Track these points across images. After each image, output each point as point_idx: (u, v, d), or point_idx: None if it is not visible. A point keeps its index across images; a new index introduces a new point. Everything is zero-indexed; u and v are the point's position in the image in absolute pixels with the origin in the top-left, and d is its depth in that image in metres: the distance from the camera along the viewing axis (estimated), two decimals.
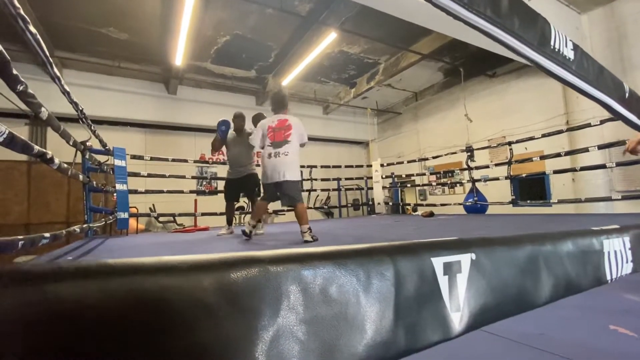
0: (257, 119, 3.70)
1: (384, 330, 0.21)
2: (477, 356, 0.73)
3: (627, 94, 0.72)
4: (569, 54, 0.54)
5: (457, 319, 0.25)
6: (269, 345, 0.19)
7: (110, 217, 4.34)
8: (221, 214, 5.91)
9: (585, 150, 4.56)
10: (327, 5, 5.28)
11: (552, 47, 0.51)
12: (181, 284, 0.18)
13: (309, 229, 2.80)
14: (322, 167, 7.18)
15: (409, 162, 7.39)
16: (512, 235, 0.30)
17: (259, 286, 0.19)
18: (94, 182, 3.92)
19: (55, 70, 2.16)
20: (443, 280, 0.25)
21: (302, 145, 3.01)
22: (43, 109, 1.99)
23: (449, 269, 0.25)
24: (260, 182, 3.23)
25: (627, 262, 0.40)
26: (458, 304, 0.25)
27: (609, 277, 0.36)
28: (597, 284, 0.35)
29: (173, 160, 5.43)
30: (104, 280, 0.17)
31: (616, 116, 0.78)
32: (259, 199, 3.21)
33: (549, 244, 0.32)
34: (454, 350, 0.76)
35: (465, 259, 0.26)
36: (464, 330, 0.25)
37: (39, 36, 1.80)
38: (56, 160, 2.22)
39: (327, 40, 5.93)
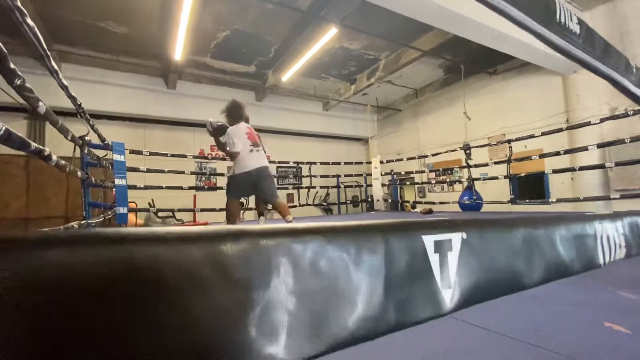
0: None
1: (374, 305, 0.22)
2: (474, 352, 0.74)
3: (634, 69, 0.72)
4: (575, 28, 0.53)
5: (448, 296, 0.25)
6: (259, 316, 0.19)
7: (109, 212, 4.34)
8: (220, 210, 5.92)
9: (585, 149, 4.56)
10: (328, 1, 5.25)
11: (558, 21, 0.50)
12: (171, 254, 0.18)
13: (291, 221, 3.03)
14: (321, 163, 7.18)
15: (408, 159, 7.39)
16: (504, 217, 0.30)
17: (249, 259, 0.20)
18: (92, 178, 3.91)
19: (53, 63, 2.14)
20: (434, 258, 0.25)
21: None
22: (41, 103, 1.98)
23: (439, 247, 0.26)
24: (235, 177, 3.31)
25: (620, 247, 0.40)
26: (449, 281, 0.26)
27: (602, 261, 0.37)
28: (589, 267, 0.35)
29: (172, 155, 5.42)
30: (94, 248, 0.17)
31: (622, 91, 0.77)
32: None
33: (541, 227, 0.32)
34: (451, 346, 0.76)
35: (456, 238, 0.26)
36: (455, 308, 0.25)
37: (36, 29, 1.78)
38: (54, 157, 2.21)
39: (328, 36, 5.90)
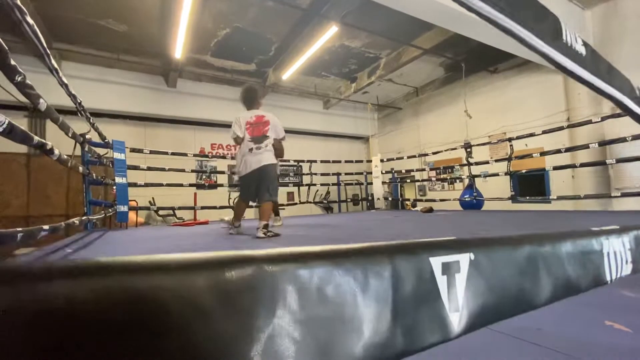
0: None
1: (381, 331, 0.21)
2: (474, 350, 0.74)
3: (637, 91, 0.72)
4: (581, 49, 0.53)
5: (456, 319, 0.25)
6: (264, 346, 0.18)
7: (110, 210, 4.34)
8: (220, 207, 5.93)
9: (586, 147, 4.55)
10: None
11: (564, 42, 0.50)
12: (174, 283, 0.18)
13: (266, 225, 2.81)
14: (321, 161, 7.17)
15: (408, 157, 7.38)
16: (511, 235, 0.30)
17: (254, 286, 0.19)
18: (94, 175, 3.91)
19: (53, 61, 2.14)
20: (442, 280, 0.25)
21: (279, 139, 3.08)
22: (41, 100, 1.97)
23: (447, 269, 0.25)
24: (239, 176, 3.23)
25: (626, 263, 0.40)
26: (457, 304, 0.25)
27: (608, 278, 0.36)
28: (596, 284, 0.34)
29: (172, 153, 5.42)
30: (95, 279, 0.17)
31: (627, 113, 0.77)
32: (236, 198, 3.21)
33: (548, 245, 0.31)
34: (451, 344, 0.76)
35: (464, 259, 0.26)
36: (463, 331, 0.25)
37: (36, 27, 1.78)
38: (56, 151, 2.22)
39: (328, 34, 5.88)
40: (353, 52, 7.25)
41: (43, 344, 0.16)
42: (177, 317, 0.17)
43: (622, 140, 4.15)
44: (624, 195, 4.48)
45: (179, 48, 6.02)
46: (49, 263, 0.16)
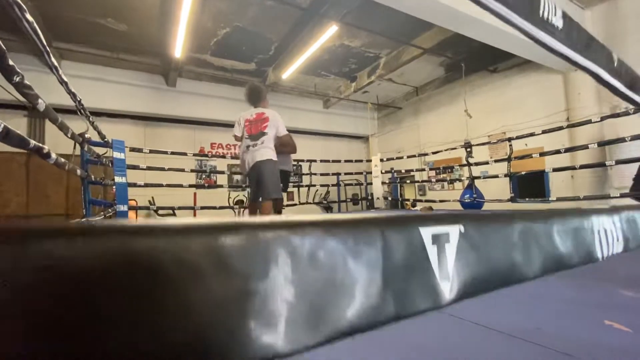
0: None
1: (372, 296, 0.22)
2: (475, 350, 0.74)
3: (615, 63, 0.73)
4: (558, 22, 0.54)
5: (447, 287, 0.25)
6: (258, 307, 0.19)
7: (110, 210, 4.35)
8: (220, 207, 5.93)
9: (585, 147, 4.56)
10: None
11: (540, 16, 0.51)
12: (169, 246, 0.18)
13: None
14: (321, 161, 7.18)
15: (408, 157, 7.38)
16: (501, 211, 0.30)
17: (247, 250, 0.20)
18: (92, 176, 3.91)
19: (53, 59, 2.14)
20: (432, 250, 0.25)
21: (280, 137, 3.06)
22: (40, 100, 1.98)
23: (437, 239, 0.26)
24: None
25: (617, 240, 0.40)
26: (447, 273, 0.26)
27: (599, 255, 0.37)
28: (588, 261, 0.35)
29: (172, 153, 5.42)
30: (91, 241, 0.17)
31: (605, 86, 0.78)
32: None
33: (539, 221, 0.32)
34: (450, 344, 0.76)
35: (453, 231, 0.27)
36: (454, 299, 0.26)
37: (35, 24, 1.78)
38: (53, 155, 2.21)
39: (328, 34, 5.88)
40: (353, 51, 7.25)
41: (40, 306, 0.16)
42: (172, 279, 0.18)
43: (622, 140, 4.16)
44: (623, 195, 4.48)
45: (178, 47, 6.03)
46: (42, 224, 0.17)
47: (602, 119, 4.45)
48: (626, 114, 4.23)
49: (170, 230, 0.19)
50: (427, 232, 0.25)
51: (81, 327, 0.17)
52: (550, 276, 0.29)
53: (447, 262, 0.26)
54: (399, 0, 4.06)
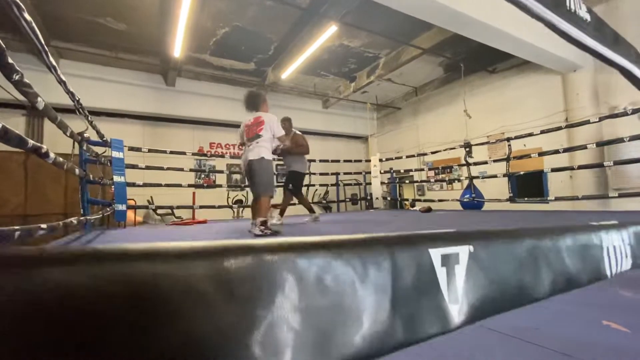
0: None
1: (380, 322, 0.21)
2: (474, 350, 0.74)
3: None
4: (585, 15, 0.52)
5: (456, 311, 0.25)
6: (264, 334, 0.18)
7: (108, 209, 4.33)
8: (219, 207, 5.92)
9: (584, 147, 4.56)
10: None
11: (567, 8, 0.49)
12: (173, 271, 0.17)
13: (263, 222, 2.88)
14: (320, 161, 7.17)
15: (407, 157, 7.38)
16: (510, 228, 0.30)
17: (253, 275, 0.19)
18: (91, 175, 3.90)
19: (51, 59, 2.13)
20: (441, 272, 0.25)
21: (280, 139, 3.26)
22: (39, 98, 1.97)
23: (446, 260, 0.25)
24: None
25: (626, 257, 0.40)
26: (457, 296, 0.25)
27: (608, 273, 0.36)
28: (596, 279, 0.34)
29: (171, 152, 5.41)
30: (92, 267, 0.16)
31: (634, 83, 0.76)
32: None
33: (548, 239, 0.31)
34: (450, 343, 0.77)
35: (463, 251, 0.26)
36: (462, 323, 0.25)
37: (34, 24, 1.77)
38: (51, 155, 2.20)
39: (328, 34, 5.87)
40: (352, 51, 7.24)
41: (37, 334, 0.15)
42: (176, 305, 0.17)
43: (620, 140, 4.17)
44: (621, 195, 4.50)
45: (177, 47, 6.01)
46: (41, 249, 0.16)
47: (601, 119, 4.46)
48: (624, 114, 4.24)
49: (171, 254, 0.18)
50: (436, 253, 0.25)
51: (81, 356, 0.16)
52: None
53: (457, 284, 0.25)
54: (398, 0, 4.05)
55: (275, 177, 4.16)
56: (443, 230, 0.27)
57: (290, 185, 4.14)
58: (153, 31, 6.03)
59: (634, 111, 4.14)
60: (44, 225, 2.15)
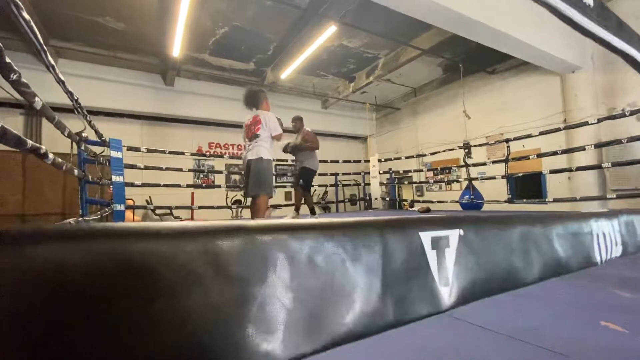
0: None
1: (371, 302, 0.21)
2: (474, 351, 0.74)
3: None
4: (588, 0, 0.51)
5: (447, 293, 0.25)
6: (256, 313, 0.19)
7: (107, 209, 4.32)
8: (218, 207, 5.91)
9: (582, 148, 4.57)
10: None
11: None
12: (167, 249, 0.18)
13: None
14: (319, 161, 7.16)
15: (406, 157, 7.39)
16: (501, 215, 0.30)
17: (245, 254, 0.19)
18: (89, 175, 3.89)
19: (50, 58, 2.13)
20: (431, 255, 0.25)
21: (276, 137, 3.16)
22: (37, 98, 1.96)
23: (437, 243, 0.25)
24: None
25: (616, 245, 0.40)
26: (447, 278, 0.25)
27: (598, 259, 0.37)
28: (587, 265, 0.35)
29: (170, 152, 5.40)
30: (88, 243, 0.17)
31: (636, 68, 0.74)
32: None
33: (539, 225, 0.32)
34: (450, 344, 0.77)
35: (453, 235, 0.26)
36: (453, 305, 0.25)
37: (32, 23, 1.77)
38: (50, 155, 2.20)
39: (327, 34, 5.88)
40: (352, 51, 7.25)
41: (33, 308, 0.16)
42: (169, 283, 0.17)
43: (618, 142, 4.18)
44: (619, 197, 4.51)
45: (176, 46, 6.00)
46: (38, 226, 0.16)
47: (599, 120, 4.47)
48: (622, 115, 4.25)
49: (165, 234, 0.18)
50: (426, 236, 0.25)
51: (74, 332, 0.16)
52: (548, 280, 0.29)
53: (447, 266, 0.26)
54: (397, 1, 4.06)
55: (274, 177, 4.17)
56: (433, 215, 0.28)
57: (301, 181, 4.20)
58: (152, 31, 6.03)
59: (632, 112, 4.16)
60: None
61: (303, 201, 4.42)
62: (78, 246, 0.17)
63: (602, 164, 4.58)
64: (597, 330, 0.83)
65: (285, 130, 3.35)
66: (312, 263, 0.21)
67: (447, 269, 0.26)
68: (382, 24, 5.92)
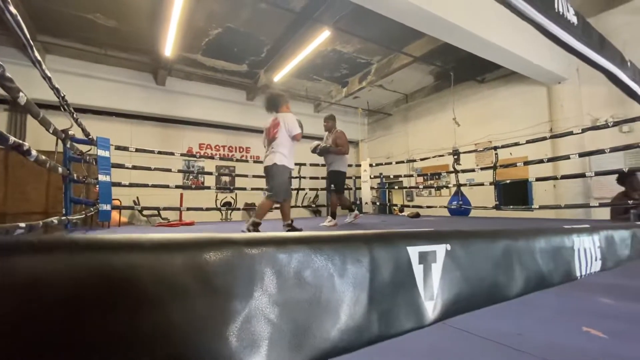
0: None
1: (357, 316, 0.21)
2: (457, 356, 0.75)
3: (629, 64, 0.73)
4: (572, 18, 0.53)
5: (431, 307, 0.25)
6: (241, 326, 0.18)
7: (92, 209, 4.23)
8: (207, 209, 5.84)
9: (567, 157, 4.70)
10: (322, 3, 5.27)
11: (556, 10, 0.50)
12: (150, 262, 0.17)
13: (254, 223, 2.95)
14: (311, 165, 7.17)
15: (397, 163, 7.46)
16: (487, 229, 0.31)
17: (232, 267, 0.19)
18: (74, 174, 3.80)
19: (37, 54, 2.08)
20: (418, 269, 0.25)
21: (295, 138, 3.17)
22: (21, 94, 1.91)
23: (424, 258, 0.26)
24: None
25: (596, 260, 0.41)
26: (432, 292, 0.26)
27: (578, 274, 0.38)
28: (567, 279, 0.36)
29: (159, 152, 5.32)
30: (67, 256, 0.16)
31: (620, 87, 0.77)
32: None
33: (522, 240, 0.32)
34: (433, 349, 0.78)
35: (440, 250, 0.27)
36: (437, 319, 0.26)
37: (19, 17, 1.73)
38: (33, 152, 2.14)
39: (321, 38, 5.91)
40: (345, 57, 7.31)
41: (8, 322, 0.15)
42: (152, 296, 0.17)
43: (601, 152, 4.31)
44: (602, 205, 4.64)
45: (169, 46, 5.95)
46: (15, 238, 0.16)
47: (583, 130, 4.60)
48: (605, 126, 4.39)
49: (150, 245, 0.18)
50: (414, 251, 0.25)
51: (49, 349, 0.16)
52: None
53: (433, 281, 0.26)
54: (390, 8, 4.12)
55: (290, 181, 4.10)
56: (422, 229, 0.28)
57: (333, 185, 4.15)
58: (144, 29, 5.96)
59: (615, 124, 4.30)
60: (22, 225, 2.08)
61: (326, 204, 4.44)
62: (55, 258, 0.16)
63: (586, 173, 4.71)
64: (579, 335, 0.86)
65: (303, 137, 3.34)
66: (299, 277, 0.21)
67: (433, 284, 0.26)
68: (375, 30, 5.99)
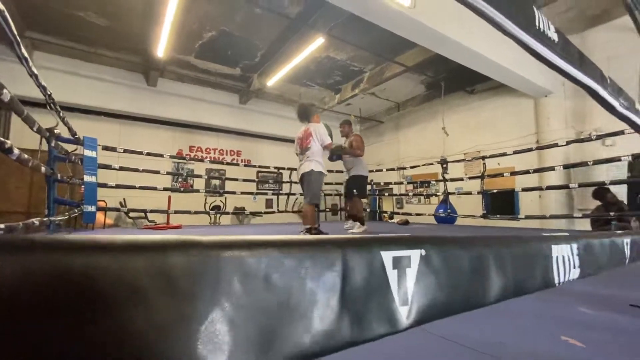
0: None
1: (329, 320, 0.21)
2: None
3: (608, 80, 0.76)
4: (553, 36, 0.55)
5: (405, 312, 0.25)
6: (205, 331, 0.18)
7: (76, 210, 4.12)
8: (195, 212, 5.76)
9: (552, 169, 4.82)
10: (316, 10, 5.32)
11: (537, 28, 0.52)
12: (109, 264, 0.17)
13: (309, 229, 3.19)
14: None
15: (387, 170, 7.52)
16: (463, 235, 0.31)
17: (196, 270, 0.19)
18: (59, 174, 3.71)
19: (23, 50, 2.04)
20: (392, 274, 0.25)
21: (326, 147, 3.42)
22: (5, 90, 1.87)
23: (398, 263, 0.25)
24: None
25: (574, 267, 0.42)
26: (406, 297, 0.25)
27: (557, 281, 0.38)
28: (545, 286, 0.36)
29: (148, 154, 5.24)
30: (21, 256, 0.15)
31: (601, 103, 0.80)
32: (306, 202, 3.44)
33: (499, 246, 0.33)
34: (409, 355, 0.77)
35: (415, 255, 0.27)
36: (412, 324, 0.25)
37: (6, 12, 1.69)
38: (15, 151, 2.09)
39: (315, 45, 5.96)
40: (338, 64, 7.37)
41: None
42: (111, 300, 0.16)
43: (584, 164, 4.43)
44: (585, 216, 4.76)
45: (161, 46, 5.91)
46: None
47: (568, 143, 4.73)
48: (589, 139, 4.52)
49: (111, 246, 0.17)
50: (388, 256, 0.25)
51: (4, 353, 0.15)
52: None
53: (407, 286, 0.26)
54: (382, 18, 4.19)
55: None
56: (396, 234, 0.28)
57: (355, 190, 4.16)
58: (136, 29, 5.91)
59: (598, 137, 4.43)
60: (1, 225, 2.01)
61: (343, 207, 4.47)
62: (12, 258, 0.16)
63: (570, 185, 4.83)
64: (557, 344, 0.87)
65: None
66: (268, 280, 0.20)
67: (407, 289, 0.26)
68: (368, 39, 6.07)
